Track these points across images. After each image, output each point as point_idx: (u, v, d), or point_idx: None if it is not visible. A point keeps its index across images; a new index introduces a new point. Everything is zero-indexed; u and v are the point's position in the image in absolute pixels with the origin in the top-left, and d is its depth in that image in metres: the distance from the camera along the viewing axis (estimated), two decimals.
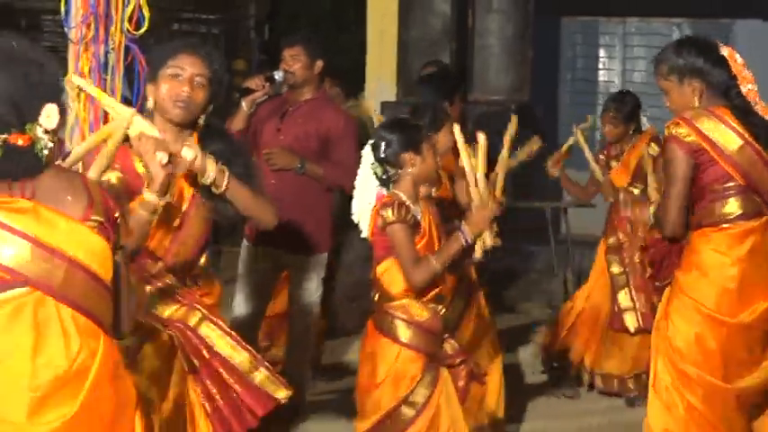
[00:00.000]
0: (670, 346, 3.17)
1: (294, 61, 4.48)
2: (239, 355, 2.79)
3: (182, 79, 2.87)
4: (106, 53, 3.74)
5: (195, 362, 2.74)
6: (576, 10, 8.75)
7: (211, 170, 2.73)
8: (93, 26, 3.67)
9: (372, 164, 3.20)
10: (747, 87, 3.23)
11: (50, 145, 1.83)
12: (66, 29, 3.68)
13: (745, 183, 3.15)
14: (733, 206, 3.17)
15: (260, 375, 2.81)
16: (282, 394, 2.82)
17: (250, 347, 2.86)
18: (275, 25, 10.52)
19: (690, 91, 3.17)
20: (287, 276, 4.69)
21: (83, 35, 3.67)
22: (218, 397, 2.76)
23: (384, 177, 3.18)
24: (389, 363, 3.12)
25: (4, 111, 1.77)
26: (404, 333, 3.10)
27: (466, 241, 3.05)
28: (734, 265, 3.15)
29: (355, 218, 3.30)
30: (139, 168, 2.79)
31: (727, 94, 3.19)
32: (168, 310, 2.78)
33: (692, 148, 3.11)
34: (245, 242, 4.61)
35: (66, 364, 1.77)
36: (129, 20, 3.65)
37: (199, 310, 2.80)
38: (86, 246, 1.81)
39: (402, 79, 7.11)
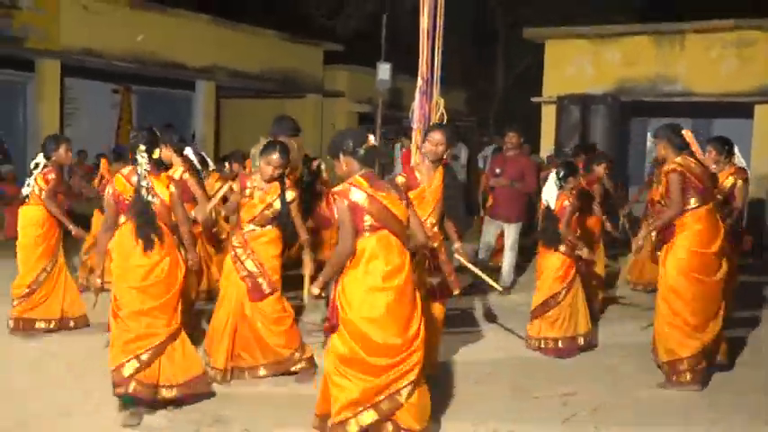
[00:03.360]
0: None
1: (511, 138, 8.82)
2: None
3: None
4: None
5: None
6: (638, 114, 13.32)
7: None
8: (422, 121, 6.42)
9: (556, 180, 6.51)
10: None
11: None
12: (413, 124, 6.61)
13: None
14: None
15: None
16: None
17: None
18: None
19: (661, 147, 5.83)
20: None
21: (418, 125, 6.52)
22: None
23: (560, 185, 6.46)
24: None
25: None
26: None
27: None
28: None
29: (544, 201, 6.56)
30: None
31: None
32: None
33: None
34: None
35: None
36: (439, 118, 6.54)
37: None
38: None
39: (556, 150, 12.44)
